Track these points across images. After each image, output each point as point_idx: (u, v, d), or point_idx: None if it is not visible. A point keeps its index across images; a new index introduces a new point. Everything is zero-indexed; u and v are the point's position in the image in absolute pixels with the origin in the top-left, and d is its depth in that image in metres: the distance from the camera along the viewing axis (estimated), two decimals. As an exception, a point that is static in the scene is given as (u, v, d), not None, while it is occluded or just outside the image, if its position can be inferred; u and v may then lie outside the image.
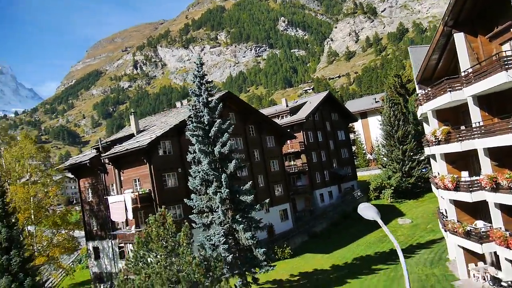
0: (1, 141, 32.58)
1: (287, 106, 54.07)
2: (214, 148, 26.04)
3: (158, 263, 12.06)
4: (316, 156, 51.66)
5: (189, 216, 27.90)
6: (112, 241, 34.40)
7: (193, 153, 27.14)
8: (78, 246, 37.08)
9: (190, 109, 27.11)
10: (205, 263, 12.26)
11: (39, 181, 31.47)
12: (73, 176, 37.14)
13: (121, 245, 33.66)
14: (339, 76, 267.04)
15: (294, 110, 51.83)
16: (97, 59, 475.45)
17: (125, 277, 13.06)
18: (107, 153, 32.33)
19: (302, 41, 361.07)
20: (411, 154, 49.53)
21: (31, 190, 30.44)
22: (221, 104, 26.87)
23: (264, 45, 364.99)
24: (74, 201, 78.68)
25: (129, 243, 32.44)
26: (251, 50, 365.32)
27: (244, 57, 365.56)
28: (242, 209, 26.41)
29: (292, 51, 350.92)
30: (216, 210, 25.84)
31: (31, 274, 17.97)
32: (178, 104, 43.72)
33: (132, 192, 31.18)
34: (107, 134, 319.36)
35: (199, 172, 26.29)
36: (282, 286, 29.93)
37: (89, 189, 36.62)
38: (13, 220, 18.31)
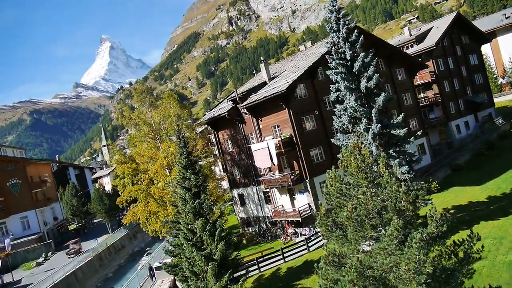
0: (147, 102, 35.29)
1: (410, 35, 50.03)
2: (360, 84, 25.14)
3: (364, 194, 11.97)
4: (448, 85, 47.63)
5: (337, 155, 27.84)
6: (257, 187, 36.13)
7: (336, 92, 26.61)
8: (224, 194, 39.68)
9: (328, 47, 26.32)
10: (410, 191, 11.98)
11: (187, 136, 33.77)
12: (211, 129, 39.11)
13: (266, 190, 35.22)
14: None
15: (420, 38, 47.79)
16: (194, 22, 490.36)
17: (327, 210, 13.29)
18: (244, 103, 33.31)
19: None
20: None
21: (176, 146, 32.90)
22: (362, 37, 25.53)
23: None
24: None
25: (275, 188, 33.83)
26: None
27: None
28: (395, 143, 25.50)
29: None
30: (366, 147, 25.30)
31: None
32: (301, 47, 43.07)
33: (273, 138, 32.03)
34: (212, 93, 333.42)
35: (345, 110, 25.77)
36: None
37: (228, 140, 38.51)
38: (197, 168, 20.00)
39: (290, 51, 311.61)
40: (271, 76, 35.28)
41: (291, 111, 30.99)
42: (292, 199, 33.11)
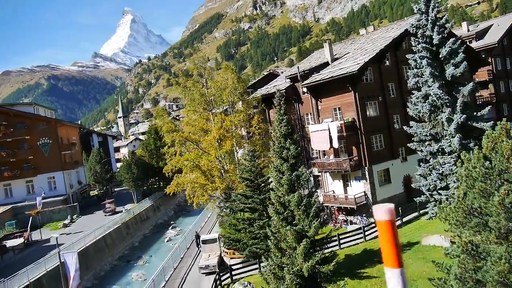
0: (203, 72, 34.20)
1: (469, 30, 48.17)
2: (446, 71, 23.83)
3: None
4: (504, 86, 45.99)
5: (407, 144, 26.76)
6: (307, 170, 35.07)
7: (414, 77, 25.35)
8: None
9: (413, 30, 24.98)
10: None
11: (242, 110, 32.79)
12: (263, 105, 37.91)
13: (317, 174, 34.19)
14: (478, 3, 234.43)
15: (480, 35, 45.98)
16: (217, 2, 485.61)
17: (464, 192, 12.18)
18: (306, 82, 32.11)
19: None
20: None
21: (235, 118, 31.90)
22: (452, 21, 24.09)
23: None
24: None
25: (328, 172, 32.79)
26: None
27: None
28: (476, 137, 24.23)
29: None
30: (445, 138, 24.13)
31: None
32: (362, 31, 41.50)
33: (332, 121, 30.89)
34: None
35: (425, 97, 24.54)
36: None
37: (281, 119, 37.37)
38: (295, 138, 18.98)
39: (314, 40, 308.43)
40: (334, 57, 33.96)
41: (357, 94, 29.77)
42: (346, 186, 32.09)
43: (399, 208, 29.01)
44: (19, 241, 43.53)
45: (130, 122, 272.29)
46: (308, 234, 15.66)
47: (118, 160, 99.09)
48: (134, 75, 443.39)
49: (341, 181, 32.23)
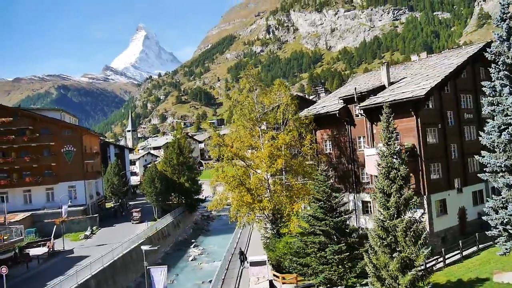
0: (254, 85, 33.29)
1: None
2: (530, 100, 22.85)
3: None
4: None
5: (477, 174, 25.62)
6: (355, 195, 33.85)
7: (489, 105, 24.40)
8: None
9: (491, 57, 24.19)
10: None
11: (293, 129, 31.73)
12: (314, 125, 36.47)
13: (365, 199, 32.93)
14: (490, 41, 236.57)
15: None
16: (231, 24, 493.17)
17: None
18: (364, 104, 31.19)
19: (446, 3, 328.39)
20: None
21: (287, 137, 30.86)
22: (536, 50, 23.29)
23: (403, 8, 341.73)
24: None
25: (380, 198, 31.49)
26: (388, 13, 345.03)
27: (380, 20, 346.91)
28: (558, 172, 23.09)
29: (434, 13, 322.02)
30: (523, 170, 22.98)
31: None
32: (413, 57, 40.83)
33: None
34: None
35: (503, 126, 23.52)
36: None
37: (328, 141, 36.37)
38: (404, 157, 17.81)
39: (325, 68, 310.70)
40: (390, 81, 33.15)
41: (419, 119, 28.81)
42: (399, 214, 30.73)
43: (459, 241, 27.68)
44: (42, 250, 41.97)
45: (138, 136, 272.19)
46: (415, 263, 14.40)
47: (132, 174, 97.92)
48: (143, 90, 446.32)
49: (394, 209, 30.90)
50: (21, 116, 56.52)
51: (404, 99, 28.30)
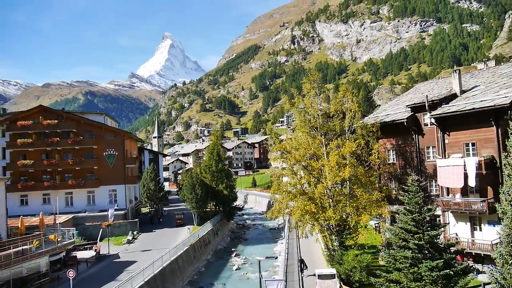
0: (318, 91, 32.16)
1: None
2: None
3: None
4: None
5: None
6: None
7: None
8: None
9: None
10: None
11: (359, 137, 30.38)
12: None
13: (436, 212, 31.20)
14: None
15: None
16: (256, 34, 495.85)
17: None
18: (436, 112, 29.69)
19: (476, 15, 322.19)
20: None
21: (353, 145, 29.51)
22: None
23: (431, 19, 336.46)
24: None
25: (451, 212, 29.85)
26: (415, 25, 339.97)
27: (407, 32, 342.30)
28: None
29: (463, 26, 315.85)
30: None
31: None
32: (479, 65, 39.12)
33: (462, 157, 28.22)
34: (263, 106, 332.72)
35: None
36: None
37: (392, 150, 34.90)
38: None
39: (350, 79, 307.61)
40: (462, 89, 31.56)
41: (499, 129, 27.15)
42: (473, 229, 28.98)
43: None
44: (89, 253, 41.55)
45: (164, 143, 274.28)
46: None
47: (165, 180, 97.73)
48: (168, 97, 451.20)
49: (468, 223, 29.16)
50: (66, 118, 56.83)
51: (486, 108, 26.71)
